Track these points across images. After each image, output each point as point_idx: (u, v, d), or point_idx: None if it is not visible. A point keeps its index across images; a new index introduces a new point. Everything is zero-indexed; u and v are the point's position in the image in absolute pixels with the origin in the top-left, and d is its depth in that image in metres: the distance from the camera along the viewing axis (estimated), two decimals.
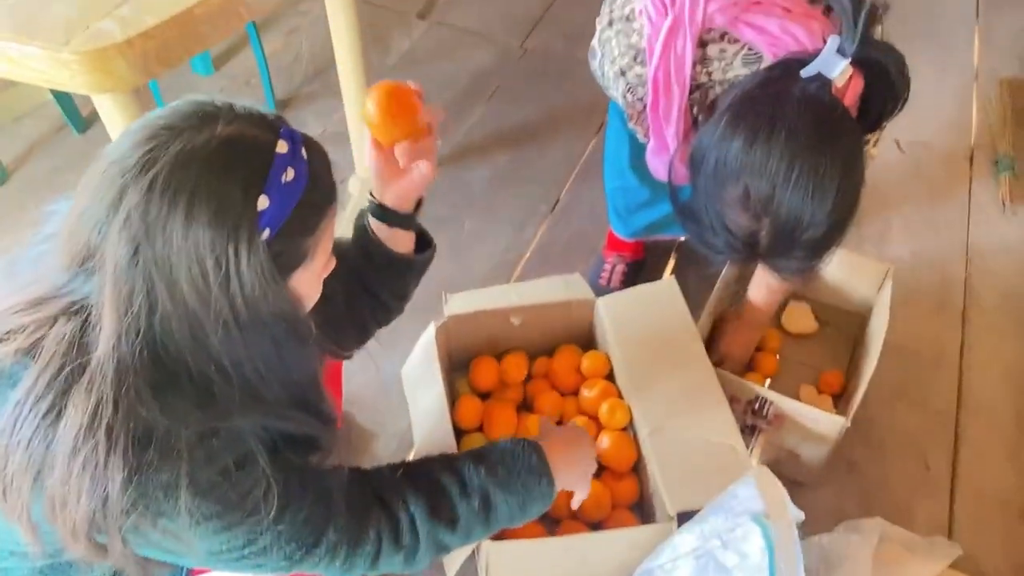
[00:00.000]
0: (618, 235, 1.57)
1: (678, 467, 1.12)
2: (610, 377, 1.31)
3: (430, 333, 1.25)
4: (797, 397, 1.29)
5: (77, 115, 1.89)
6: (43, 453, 0.62)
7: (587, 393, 1.28)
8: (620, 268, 1.59)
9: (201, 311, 0.62)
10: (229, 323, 0.63)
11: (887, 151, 1.98)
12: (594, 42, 1.08)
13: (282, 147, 0.64)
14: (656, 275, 1.65)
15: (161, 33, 0.91)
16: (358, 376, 1.47)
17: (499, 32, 2.27)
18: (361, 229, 0.93)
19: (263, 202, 0.62)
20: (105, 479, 0.61)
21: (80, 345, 0.63)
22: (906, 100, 0.93)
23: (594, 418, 1.27)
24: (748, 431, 1.31)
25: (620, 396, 1.27)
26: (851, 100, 0.85)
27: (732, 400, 1.28)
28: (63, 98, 1.82)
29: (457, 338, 1.32)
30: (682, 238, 1.71)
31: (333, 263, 0.76)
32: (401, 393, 1.34)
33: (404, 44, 2.23)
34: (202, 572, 0.85)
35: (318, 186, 0.67)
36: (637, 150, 1.22)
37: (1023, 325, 1.61)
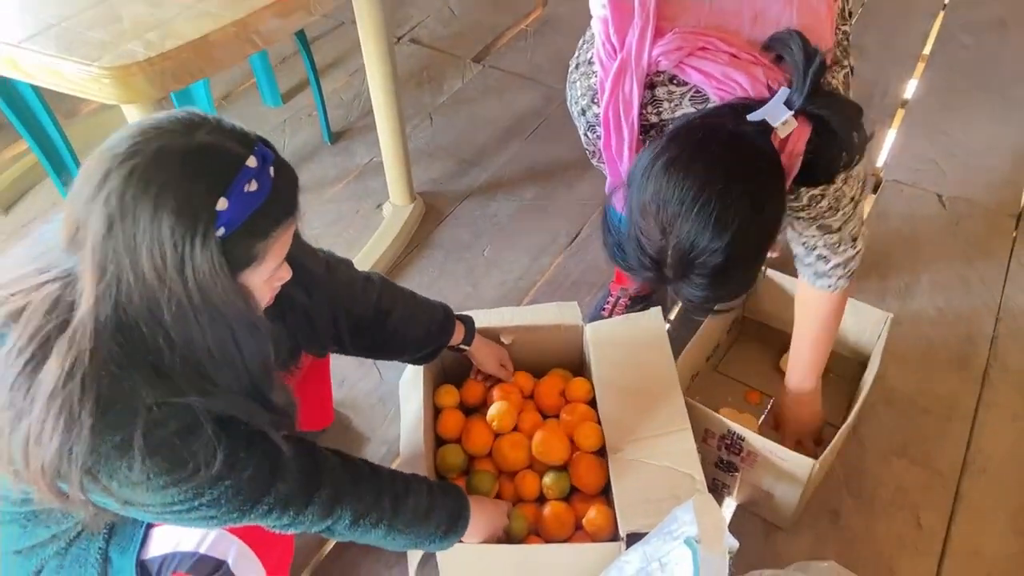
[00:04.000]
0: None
1: (635, 491, 1.14)
2: (594, 402, 1.34)
3: None
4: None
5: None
6: (23, 396, 0.71)
7: (566, 416, 1.32)
8: (623, 301, 1.62)
9: (158, 289, 0.71)
10: (182, 303, 0.72)
11: (927, 205, 1.94)
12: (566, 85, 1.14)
13: (252, 162, 0.73)
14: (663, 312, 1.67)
15: (179, 55, 1.05)
16: (361, 383, 1.56)
17: (547, 76, 2.38)
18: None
19: (222, 204, 0.70)
20: (77, 423, 0.70)
21: (63, 305, 0.73)
22: (861, 156, 0.92)
23: (571, 440, 1.30)
24: (724, 467, 1.31)
25: (599, 421, 1.29)
26: (796, 149, 0.87)
27: (707, 435, 1.29)
28: None
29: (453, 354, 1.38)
30: None
31: (287, 273, 0.84)
32: (398, 403, 1.42)
33: (456, 84, 2.37)
34: (159, 526, 0.94)
35: (278, 201, 0.75)
36: None
37: None
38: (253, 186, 0.72)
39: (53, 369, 0.70)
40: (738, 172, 0.82)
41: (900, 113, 2.23)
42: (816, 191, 0.99)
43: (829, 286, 1.13)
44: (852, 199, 1.01)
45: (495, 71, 2.42)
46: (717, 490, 1.37)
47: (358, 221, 1.90)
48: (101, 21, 1.12)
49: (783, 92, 0.84)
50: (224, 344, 0.77)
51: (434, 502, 1.01)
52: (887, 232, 1.88)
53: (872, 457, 1.41)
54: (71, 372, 0.70)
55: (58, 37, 1.07)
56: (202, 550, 0.89)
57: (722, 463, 1.31)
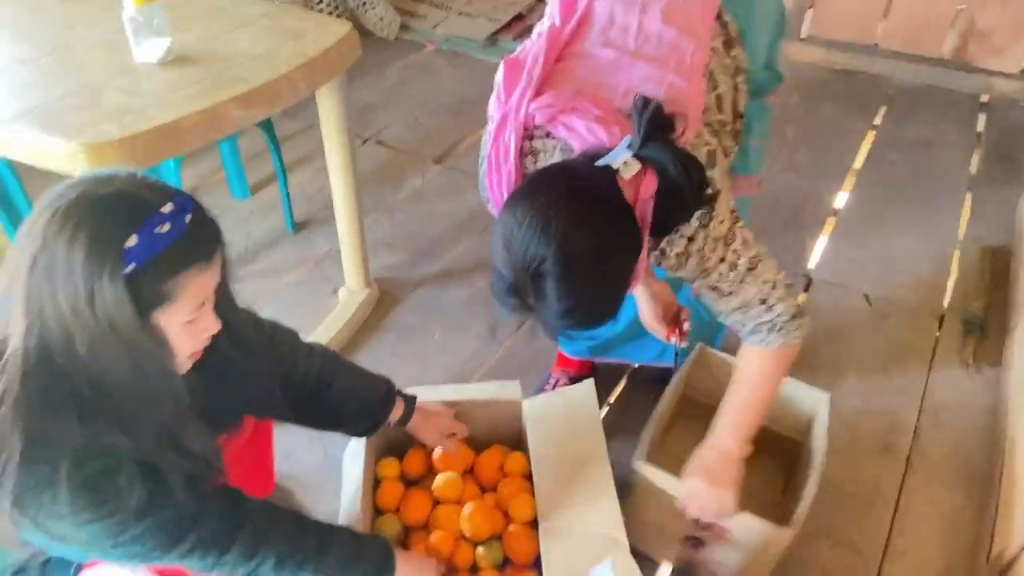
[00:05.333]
0: (564, 352, 1.68)
1: (563, 559, 1.17)
2: (531, 475, 1.38)
3: None
4: None
5: None
6: None
7: (503, 489, 1.36)
8: (563, 382, 1.69)
9: (72, 322, 0.76)
10: (94, 337, 0.76)
11: (854, 303, 2.07)
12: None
13: (167, 208, 0.78)
14: (604, 395, 1.74)
15: (150, 136, 1.16)
16: (306, 458, 1.59)
17: None
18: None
19: (131, 240, 0.75)
20: (7, 451, 0.74)
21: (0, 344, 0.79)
22: (697, 206, 1.00)
23: (505, 513, 1.33)
24: (692, 543, 1.34)
25: (533, 493, 1.33)
26: (645, 194, 0.95)
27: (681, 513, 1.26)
28: None
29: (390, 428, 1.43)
30: (633, 364, 1.81)
31: (213, 325, 0.88)
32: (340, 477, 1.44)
33: (416, 183, 2.52)
34: (91, 566, 0.95)
35: (190, 244, 0.80)
36: None
37: (968, 480, 1.60)
38: (165, 228, 0.77)
39: None
40: (570, 193, 0.92)
41: (831, 220, 2.40)
42: (679, 249, 1.07)
43: (761, 341, 1.15)
44: (724, 260, 1.08)
45: (453, 172, 2.58)
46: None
47: (314, 304, 1.98)
48: (83, 106, 1.23)
49: (627, 139, 0.95)
50: (134, 384, 0.81)
51: (360, 546, 1.04)
52: (816, 328, 1.97)
53: (799, 537, 1.45)
54: (1, 401, 0.75)
55: (41, 119, 1.18)
56: None
57: (689, 539, 1.33)
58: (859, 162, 2.69)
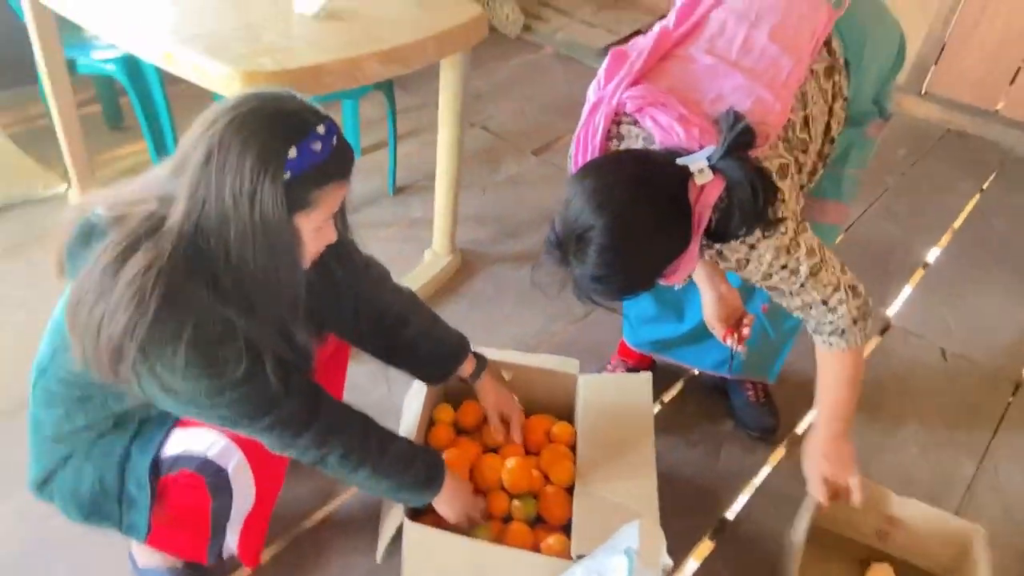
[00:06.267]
0: (627, 343, 1.75)
1: (592, 521, 1.24)
2: (575, 447, 1.45)
3: None
4: None
5: None
6: (110, 279, 0.88)
7: (547, 454, 1.44)
8: (621, 370, 1.75)
9: (232, 212, 0.89)
10: (246, 227, 0.89)
11: (929, 355, 2.05)
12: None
13: (320, 129, 0.91)
14: (658, 393, 1.79)
15: (298, 74, 1.30)
16: (372, 393, 1.71)
17: None
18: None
19: (292, 153, 0.89)
20: (144, 306, 0.87)
21: (156, 218, 0.92)
22: (759, 223, 1.04)
23: (545, 475, 1.41)
24: None
25: (574, 461, 1.41)
26: (707, 201, 1.01)
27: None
28: None
29: (456, 380, 1.53)
30: (694, 370, 1.86)
31: (332, 235, 1.00)
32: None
33: (513, 169, 2.63)
34: (186, 425, 1.09)
35: (334, 163, 0.93)
36: None
37: (1021, 544, 1.58)
38: (318, 146, 0.90)
39: (138, 261, 0.88)
40: (633, 176, 0.99)
41: (920, 272, 2.38)
42: (740, 255, 1.12)
43: (825, 342, 1.21)
44: (785, 267, 1.12)
45: (549, 165, 2.68)
46: None
47: (401, 261, 2.10)
48: (246, 39, 1.40)
49: (709, 149, 1.01)
50: (268, 270, 0.93)
51: (416, 453, 1.15)
52: (885, 373, 1.98)
53: None
54: (150, 265, 0.87)
55: (208, 44, 1.34)
56: (209, 455, 1.03)
57: None
58: (959, 222, 2.65)
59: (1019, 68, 3.07)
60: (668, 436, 1.71)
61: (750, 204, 0.99)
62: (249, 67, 1.28)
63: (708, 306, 1.43)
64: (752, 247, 1.10)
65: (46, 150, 2.25)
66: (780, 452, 1.73)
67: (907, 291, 2.30)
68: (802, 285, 1.14)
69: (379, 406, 1.66)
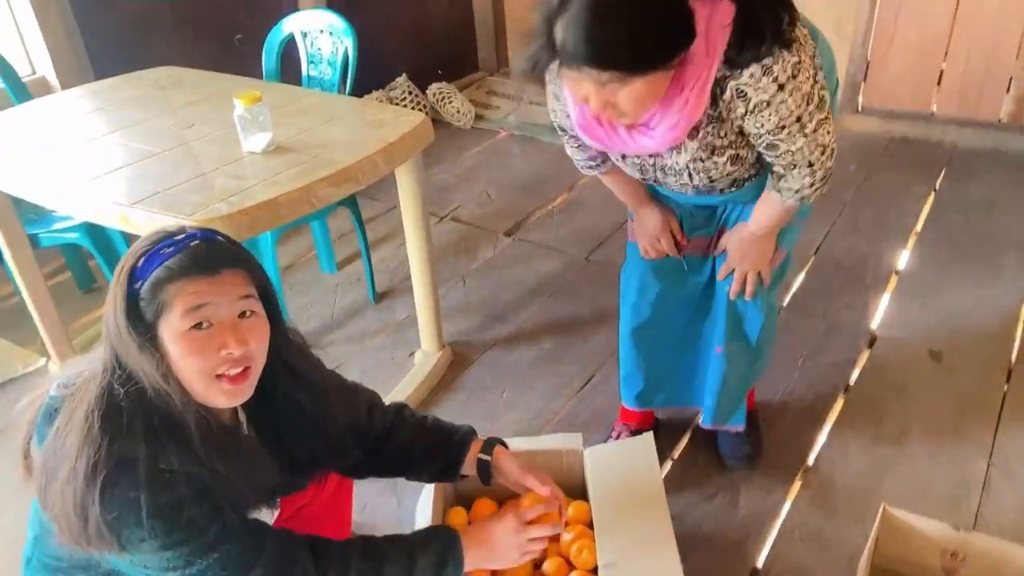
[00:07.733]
0: (625, 404, 1.76)
1: None
2: (591, 523, 1.44)
3: None
4: None
5: None
6: (61, 455, 0.88)
7: (565, 536, 1.43)
8: (625, 435, 1.76)
9: (117, 341, 0.90)
10: (128, 347, 0.89)
11: (919, 358, 2.07)
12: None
13: (178, 236, 0.92)
14: (664, 452, 1.79)
15: (253, 212, 1.36)
16: (381, 509, 1.70)
17: (571, 247, 2.68)
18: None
19: (140, 262, 0.90)
20: (94, 480, 0.86)
21: (93, 385, 0.92)
22: (775, 44, 1.06)
23: (567, 559, 1.40)
24: None
25: (594, 540, 1.40)
26: (723, 20, 1.03)
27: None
28: None
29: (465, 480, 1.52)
30: (700, 423, 1.85)
31: (232, 344, 0.92)
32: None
33: (488, 254, 2.69)
34: None
35: (186, 259, 0.90)
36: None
37: None
38: (168, 250, 0.90)
39: (80, 427, 0.88)
40: None
41: (893, 279, 2.43)
42: (767, 96, 1.09)
43: (780, 194, 1.27)
44: (799, 119, 1.12)
45: (523, 243, 2.74)
46: None
47: (393, 366, 2.13)
48: (198, 189, 1.45)
49: None
50: (161, 393, 0.90)
51: (415, 543, 1.10)
52: (881, 383, 2.00)
53: None
54: (89, 429, 0.88)
55: (163, 200, 1.40)
56: None
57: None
58: (920, 224, 2.72)
59: (942, 71, 3.22)
60: (684, 493, 1.70)
61: (766, 17, 1.02)
62: (206, 215, 1.33)
63: (647, 216, 1.50)
64: (781, 87, 1.08)
65: (20, 326, 2.28)
66: (797, 486, 1.72)
67: (886, 300, 2.33)
68: (805, 137, 1.15)
69: (391, 520, 1.66)
